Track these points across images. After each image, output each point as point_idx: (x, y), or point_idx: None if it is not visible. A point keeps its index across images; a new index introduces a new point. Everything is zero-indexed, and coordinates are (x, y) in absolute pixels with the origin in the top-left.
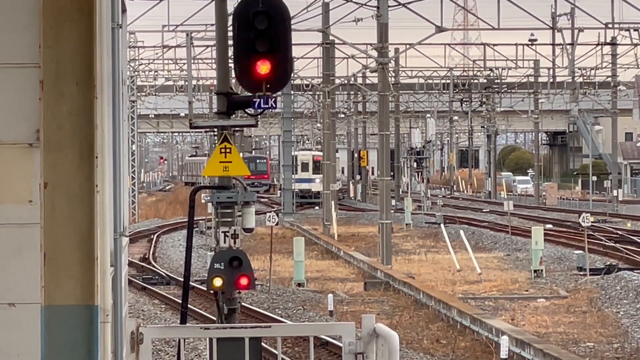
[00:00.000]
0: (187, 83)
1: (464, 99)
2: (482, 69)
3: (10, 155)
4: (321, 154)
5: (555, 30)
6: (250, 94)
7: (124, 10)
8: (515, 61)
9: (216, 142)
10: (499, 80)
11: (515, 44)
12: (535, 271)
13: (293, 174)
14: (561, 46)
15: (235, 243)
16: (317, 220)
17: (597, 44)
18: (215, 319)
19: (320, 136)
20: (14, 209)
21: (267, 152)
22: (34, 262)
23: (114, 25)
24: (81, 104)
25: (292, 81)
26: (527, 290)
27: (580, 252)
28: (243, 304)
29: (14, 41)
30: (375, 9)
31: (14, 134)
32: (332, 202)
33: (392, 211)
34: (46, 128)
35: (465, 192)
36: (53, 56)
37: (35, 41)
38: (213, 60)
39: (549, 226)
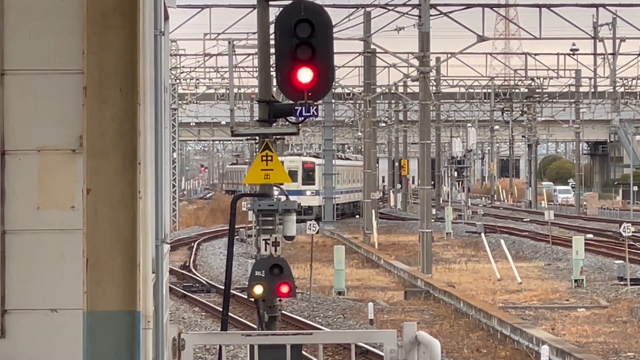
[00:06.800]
0: (228, 91)
1: (505, 109)
2: (524, 79)
3: (54, 161)
4: (313, 159)
5: (597, 40)
6: (292, 102)
7: (166, 18)
8: (556, 71)
9: (257, 150)
10: (540, 90)
11: (557, 54)
12: (575, 281)
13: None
14: (603, 56)
15: (276, 251)
16: (358, 229)
17: (639, 54)
18: (255, 327)
19: (361, 145)
20: (56, 215)
21: None
22: (76, 267)
23: (157, 33)
24: (124, 111)
25: (333, 90)
26: (567, 300)
27: (621, 262)
28: (283, 312)
29: (58, 48)
30: (417, 17)
31: (58, 140)
32: (373, 211)
33: (433, 220)
34: (89, 134)
35: (506, 201)
36: (97, 62)
37: (79, 48)
38: (254, 68)
39: (590, 236)
